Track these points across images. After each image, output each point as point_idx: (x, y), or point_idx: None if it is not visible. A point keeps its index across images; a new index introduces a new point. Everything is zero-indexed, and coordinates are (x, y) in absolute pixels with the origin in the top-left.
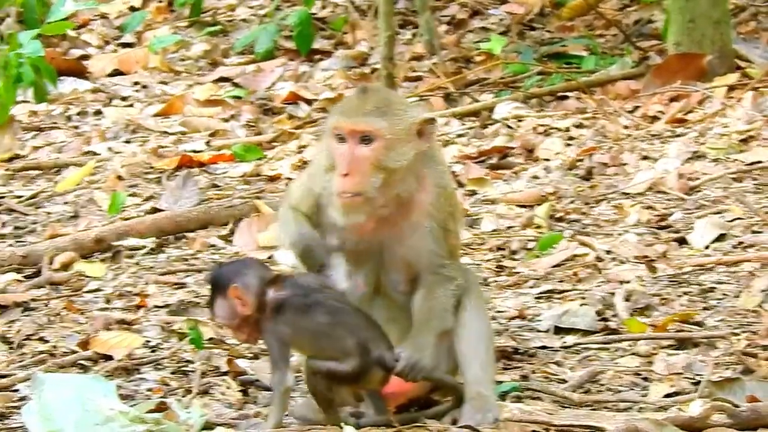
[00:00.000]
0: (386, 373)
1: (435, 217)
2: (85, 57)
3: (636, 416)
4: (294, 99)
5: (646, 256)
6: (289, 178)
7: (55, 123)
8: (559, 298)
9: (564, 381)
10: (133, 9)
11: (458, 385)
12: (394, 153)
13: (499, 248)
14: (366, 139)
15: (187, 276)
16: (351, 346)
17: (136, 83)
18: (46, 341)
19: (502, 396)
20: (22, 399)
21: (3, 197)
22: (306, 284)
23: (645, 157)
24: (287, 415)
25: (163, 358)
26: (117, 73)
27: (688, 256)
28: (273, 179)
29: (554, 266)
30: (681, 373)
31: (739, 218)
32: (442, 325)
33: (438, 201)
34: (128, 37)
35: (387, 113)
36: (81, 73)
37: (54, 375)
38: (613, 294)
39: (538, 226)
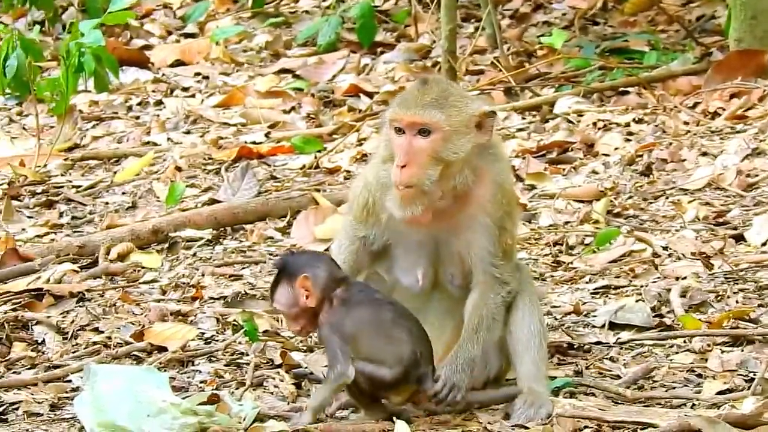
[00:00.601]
0: (417, 392)
1: (491, 214)
2: (148, 47)
3: (689, 413)
4: (355, 91)
5: (702, 253)
6: (349, 171)
7: (115, 113)
8: (614, 294)
9: (618, 377)
10: None
11: (502, 398)
12: (451, 145)
13: (556, 243)
14: (424, 131)
15: (244, 268)
16: (405, 353)
17: (197, 74)
18: (101, 332)
19: (556, 392)
20: (75, 390)
21: (61, 187)
22: (373, 287)
23: (704, 154)
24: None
25: (217, 350)
26: (179, 63)
27: (745, 252)
28: (332, 171)
29: (611, 262)
30: (735, 371)
31: None
32: (490, 337)
33: (495, 197)
34: (190, 28)
35: (445, 105)
36: (143, 63)
37: (107, 366)
38: (668, 290)
39: (596, 222)
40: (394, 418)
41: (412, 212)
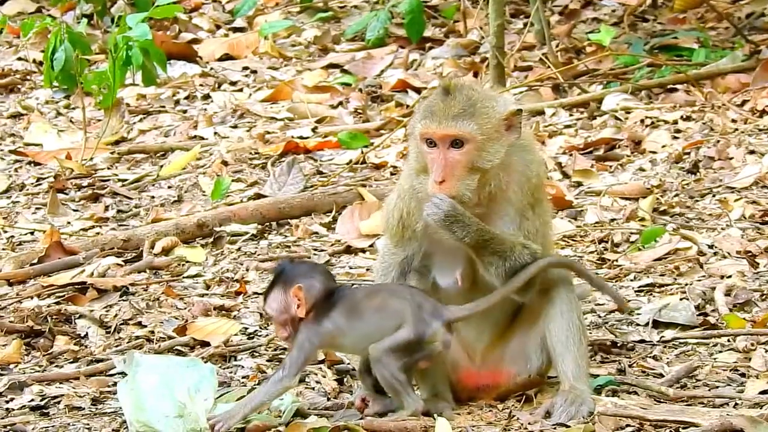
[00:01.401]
0: (446, 328)
1: (514, 203)
2: (196, 41)
3: (731, 412)
4: (403, 87)
5: (748, 251)
6: (395, 167)
7: (162, 107)
8: (659, 292)
9: (661, 375)
10: None
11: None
12: (485, 153)
13: (601, 240)
14: (457, 143)
15: None
16: (408, 308)
17: (245, 68)
18: (144, 326)
19: (598, 390)
20: (116, 384)
21: (107, 180)
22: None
23: (752, 152)
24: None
25: (259, 346)
26: (227, 57)
27: None
28: (378, 167)
29: (656, 260)
30: None
31: None
32: (508, 289)
33: (521, 188)
34: (239, 22)
35: (475, 114)
36: (191, 57)
37: (150, 357)
38: (713, 289)
39: (642, 219)
40: (435, 416)
41: None
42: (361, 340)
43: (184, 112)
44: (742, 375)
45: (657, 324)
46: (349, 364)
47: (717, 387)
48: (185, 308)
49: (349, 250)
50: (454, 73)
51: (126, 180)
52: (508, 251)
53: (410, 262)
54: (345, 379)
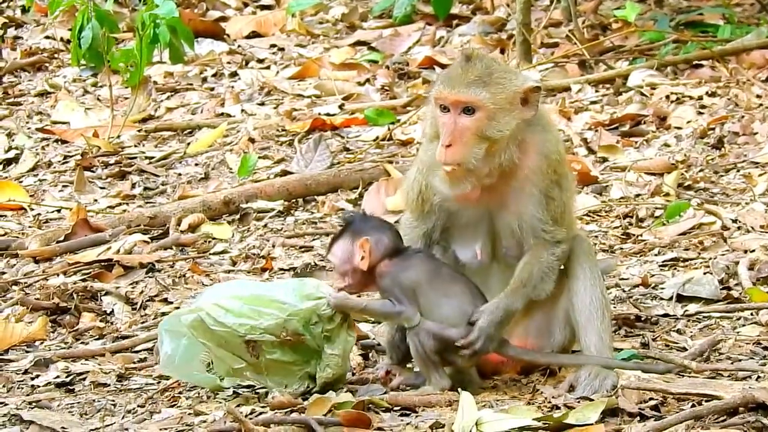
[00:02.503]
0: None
1: (537, 184)
2: (223, 19)
3: (753, 386)
4: (430, 64)
5: None
6: (421, 144)
7: (190, 84)
8: (683, 267)
9: (684, 349)
10: None
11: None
12: (496, 123)
13: (626, 216)
14: (468, 109)
15: (314, 239)
16: (468, 311)
17: (272, 45)
18: (170, 303)
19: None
20: (143, 360)
21: (134, 158)
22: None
23: None
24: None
25: None
26: (254, 35)
27: None
28: (405, 144)
29: (680, 234)
30: None
31: None
32: (535, 293)
33: (541, 168)
34: (267, 0)
35: (489, 83)
36: (218, 34)
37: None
38: (737, 263)
39: (666, 194)
40: (459, 389)
41: (460, 190)
42: (427, 310)
43: (211, 89)
44: (765, 348)
45: (681, 298)
46: (374, 339)
47: (740, 360)
48: (211, 284)
49: None
50: (489, 37)
51: (153, 157)
52: (536, 276)
53: (431, 235)
54: (370, 354)
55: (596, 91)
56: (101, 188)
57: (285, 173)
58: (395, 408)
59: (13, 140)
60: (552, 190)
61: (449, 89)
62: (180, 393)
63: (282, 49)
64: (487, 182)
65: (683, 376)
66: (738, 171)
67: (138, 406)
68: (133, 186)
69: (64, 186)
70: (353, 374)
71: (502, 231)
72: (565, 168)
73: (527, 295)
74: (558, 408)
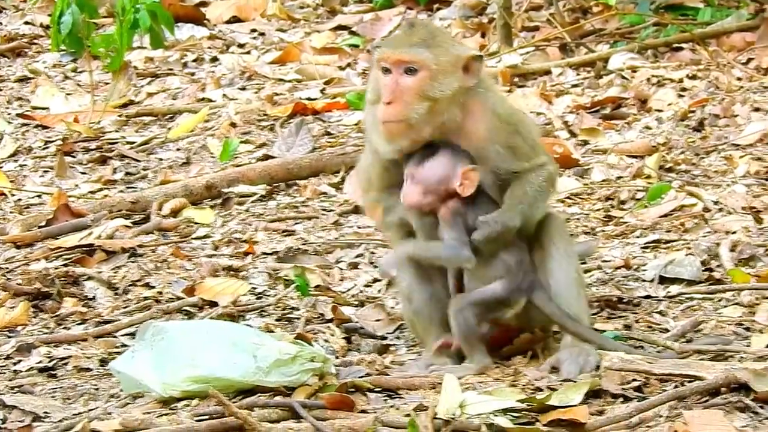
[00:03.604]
0: (528, 305)
1: (497, 141)
2: (204, 4)
3: (735, 366)
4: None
5: (753, 207)
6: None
7: (170, 69)
8: (665, 248)
9: (666, 330)
10: None
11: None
12: (437, 84)
13: (608, 198)
14: (410, 69)
15: (297, 223)
16: (512, 264)
17: (253, 30)
18: (152, 287)
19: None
20: (125, 345)
21: (115, 143)
22: None
23: (756, 109)
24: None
25: (268, 305)
26: (235, 19)
27: None
28: None
29: (662, 216)
30: None
31: None
32: (531, 211)
33: (494, 125)
34: None
35: (432, 45)
36: (199, 19)
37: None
38: (718, 244)
39: (648, 177)
40: (445, 373)
41: (397, 146)
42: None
43: (192, 74)
44: (747, 329)
45: (663, 280)
46: (357, 322)
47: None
48: (193, 269)
49: (357, 209)
50: (462, 34)
51: (134, 142)
52: (530, 194)
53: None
54: (353, 338)
55: (577, 75)
56: (82, 173)
57: (267, 157)
58: (378, 390)
59: None
60: (513, 139)
61: (392, 50)
62: None
63: (263, 34)
64: (425, 138)
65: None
66: (719, 153)
67: (121, 390)
68: (114, 171)
69: (45, 171)
70: (336, 357)
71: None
72: (518, 116)
73: (524, 213)
74: (541, 390)
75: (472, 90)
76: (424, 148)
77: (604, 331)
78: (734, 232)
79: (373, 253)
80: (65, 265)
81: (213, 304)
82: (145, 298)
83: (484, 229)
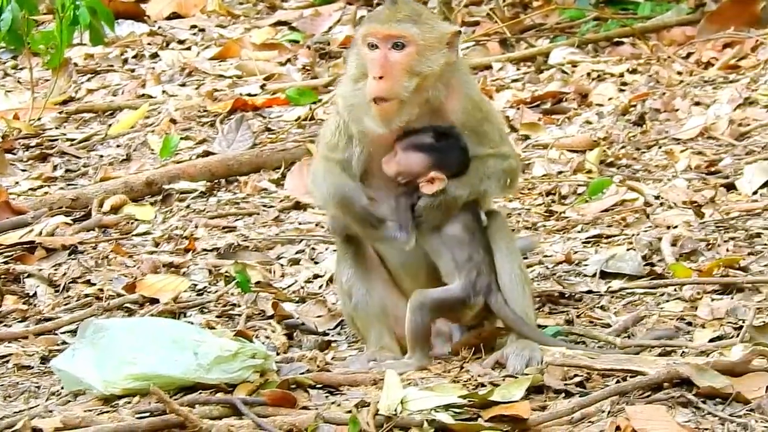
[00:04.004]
0: (486, 307)
1: (467, 123)
2: (144, 0)
3: (678, 361)
4: (351, 43)
5: (694, 202)
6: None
7: (110, 66)
8: (606, 243)
9: (608, 326)
10: None
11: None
12: (425, 59)
13: (549, 193)
14: (398, 44)
15: (237, 219)
16: (469, 265)
17: (193, 26)
18: (93, 284)
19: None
20: (66, 343)
21: (56, 140)
22: None
23: (697, 103)
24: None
25: (209, 302)
26: (175, 16)
27: (736, 201)
28: None
29: (603, 211)
30: (724, 318)
31: None
32: (481, 186)
33: (466, 108)
34: None
35: (419, 21)
36: (139, 16)
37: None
38: (660, 239)
39: (589, 171)
40: (385, 369)
41: (391, 126)
42: None
43: (132, 71)
44: (689, 324)
45: (604, 274)
46: (298, 318)
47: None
48: (134, 266)
49: (297, 205)
50: None
51: (74, 139)
52: (483, 172)
53: (347, 168)
54: (294, 334)
55: (517, 69)
56: (22, 170)
57: (207, 154)
58: (320, 386)
59: None
60: (482, 126)
61: (380, 25)
62: None
63: (203, 30)
64: (413, 118)
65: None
66: (660, 147)
67: (62, 387)
68: (55, 168)
69: None
70: (278, 354)
71: None
72: (488, 104)
73: (473, 185)
74: (483, 386)
75: (454, 68)
76: (419, 134)
77: (546, 326)
78: (675, 227)
79: (314, 249)
80: (5, 263)
81: (154, 301)
82: (86, 296)
83: (426, 200)
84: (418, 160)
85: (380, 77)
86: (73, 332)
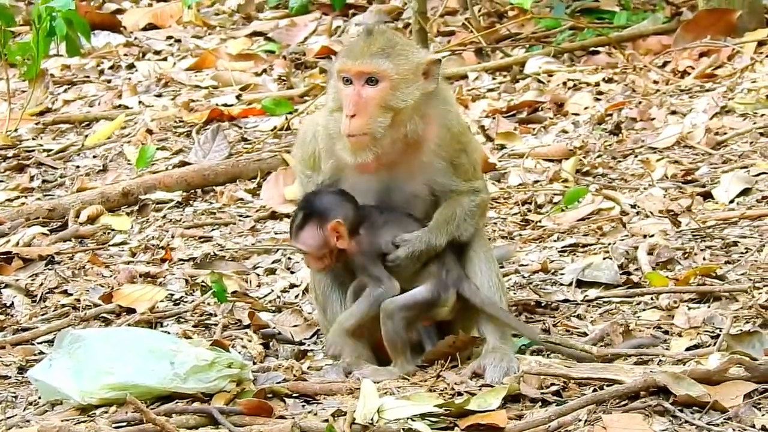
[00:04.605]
0: (459, 299)
1: (443, 156)
2: (120, 11)
3: (654, 370)
4: (327, 53)
5: (670, 210)
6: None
7: (87, 77)
8: (582, 252)
9: (585, 334)
10: None
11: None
12: (399, 93)
13: (524, 202)
14: (372, 80)
15: (213, 229)
16: (433, 267)
17: (169, 37)
18: (70, 294)
19: (523, 349)
20: (43, 353)
21: (32, 151)
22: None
23: (673, 112)
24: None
25: (185, 311)
26: (151, 27)
27: (713, 210)
28: None
29: (579, 220)
30: (701, 327)
31: (764, 173)
32: (459, 232)
33: (444, 140)
34: None
35: (392, 54)
36: (115, 27)
37: (92, 330)
38: (636, 248)
39: (565, 180)
40: (361, 378)
41: (362, 159)
42: (408, 273)
43: (109, 81)
44: (666, 332)
45: (580, 283)
46: (274, 328)
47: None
48: (111, 276)
49: (274, 215)
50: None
51: (51, 150)
52: (459, 215)
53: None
54: (270, 343)
55: (493, 79)
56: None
57: (183, 164)
58: (296, 396)
59: None
60: (458, 158)
61: (352, 61)
62: None
63: (179, 41)
64: (390, 153)
65: (585, 361)
66: (636, 156)
67: (39, 397)
68: (32, 179)
69: None
70: (254, 363)
71: (402, 203)
72: (468, 135)
73: (451, 233)
74: (460, 394)
75: (431, 99)
76: (292, 219)
77: (522, 336)
78: (652, 236)
79: (290, 258)
80: None
81: (130, 310)
82: (63, 306)
83: (406, 246)
84: (306, 235)
85: (353, 115)
86: (50, 342)
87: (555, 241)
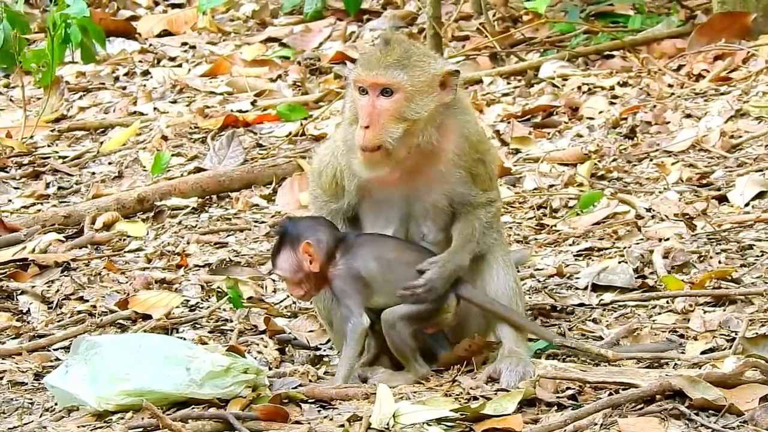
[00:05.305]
0: (458, 301)
1: (461, 166)
2: (135, 18)
3: (670, 373)
4: (341, 59)
5: (685, 214)
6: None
7: (102, 84)
8: (597, 256)
9: (601, 338)
10: None
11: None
12: (414, 105)
13: (540, 206)
14: (386, 91)
15: (229, 235)
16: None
17: (184, 44)
18: (86, 301)
19: (538, 354)
20: (59, 360)
21: (48, 158)
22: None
23: (688, 116)
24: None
25: (201, 317)
26: (166, 33)
27: (728, 213)
28: (318, 138)
29: (594, 224)
30: (717, 330)
31: None
32: (480, 247)
33: (462, 150)
34: None
35: (408, 65)
36: (130, 33)
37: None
38: (651, 251)
39: (580, 185)
40: (377, 384)
41: (377, 174)
42: (391, 291)
43: (124, 88)
44: (681, 336)
45: (596, 287)
46: (290, 333)
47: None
48: (127, 282)
49: None
50: (400, 31)
51: (66, 157)
52: (478, 229)
53: (345, 214)
54: (286, 349)
55: (508, 83)
56: (15, 188)
57: (198, 170)
58: (312, 401)
59: None
60: (476, 168)
61: (368, 71)
62: None
63: (193, 47)
64: (406, 165)
65: (600, 364)
66: (651, 160)
67: (55, 404)
68: (47, 186)
69: None
70: (270, 368)
71: (422, 213)
72: (486, 144)
73: (473, 250)
74: (476, 399)
75: (449, 109)
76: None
77: (538, 339)
78: (667, 239)
79: None
80: None
81: (146, 317)
82: (79, 312)
83: (435, 268)
84: (281, 259)
85: (366, 126)
86: (66, 349)
87: (570, 245)
